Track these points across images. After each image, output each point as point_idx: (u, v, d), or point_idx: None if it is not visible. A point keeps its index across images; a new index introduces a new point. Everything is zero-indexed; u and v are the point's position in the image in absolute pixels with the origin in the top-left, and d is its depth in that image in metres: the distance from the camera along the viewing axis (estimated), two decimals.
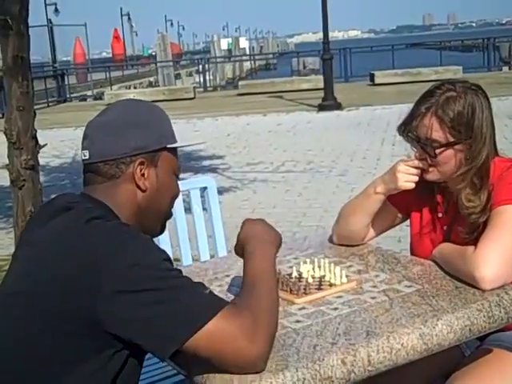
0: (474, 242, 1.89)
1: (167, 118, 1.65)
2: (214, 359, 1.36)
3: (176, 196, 1.67)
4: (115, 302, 1.33)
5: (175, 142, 1.63)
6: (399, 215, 2.22)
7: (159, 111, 1.65)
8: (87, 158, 1.56)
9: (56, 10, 35.71)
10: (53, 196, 1.63)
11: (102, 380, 1.40)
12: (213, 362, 1.37)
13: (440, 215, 2.10)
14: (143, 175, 1.56)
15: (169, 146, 1.60)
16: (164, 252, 1.43)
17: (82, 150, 1.57)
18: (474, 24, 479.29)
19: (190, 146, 1.72)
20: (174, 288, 1.36)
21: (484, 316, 1.68)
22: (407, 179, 2.01)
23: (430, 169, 1.99)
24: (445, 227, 2.09)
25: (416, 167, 2.00)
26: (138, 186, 1.56)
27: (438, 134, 1.94)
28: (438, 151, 1.95)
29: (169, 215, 1.68)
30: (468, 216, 1.95)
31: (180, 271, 1.43)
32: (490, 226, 1.88)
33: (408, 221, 2.23)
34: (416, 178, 2.01)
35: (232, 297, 1.84)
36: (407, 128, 2.01)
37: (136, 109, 1.61)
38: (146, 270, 1.35)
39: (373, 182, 2.14)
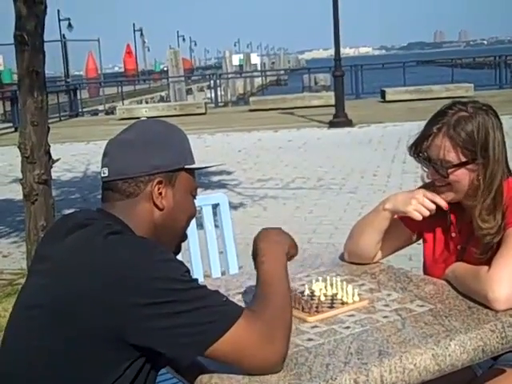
0: (488, 262, 1.88)
1: (186, 139, 1.68)
2: (234, 363, 1.43)
3: (192, 216, 1.69)
4: (140, 315, 1.36)
5: (193, 162, 1.65)
6: (412, 235, 2.21)
7: (179, 132, 1.67)
8: (106, 175, 1.59)
9: (69, 25, 36.08)
10: (64, 210, 1.64)
11: None
12: (233, 365, 1.44)
13: (453, 235, 2.10)
14: (161, 194, 1.58)
15: (187, 166, 1.62)
16: (182, 263, 1.47)
17: (102, 167, 1.60)
18: (485, 42, 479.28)
19: (207, 167, 1.73)
20: (195, 298, 1.41)
21: (497, 337, 1.67)
22: (418, 209, 1.99)
23: (443, 189, 1.99)
24: (458, 247, 2.08)
25: (433, 202, 1.98)
26: (156, 205, 1.58)
27: (449, 155, 1.94)
28: (449, 171, 1.95)
29: (184, 237, 1.70)
30: (483, 237, 1.95)
31: (198, 281, 1.46)
32: (504, 247, 1.87)
33: (419, 239, 2.23)
34: (427, 213, 1.99)
35: None
36: (418, 148, 2.01)
37: (156, 128, 1.64)
38: (167, 282, 1.39)
39: (385, 198, 2.14)
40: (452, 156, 1.94)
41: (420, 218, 2.00)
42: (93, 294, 1.37)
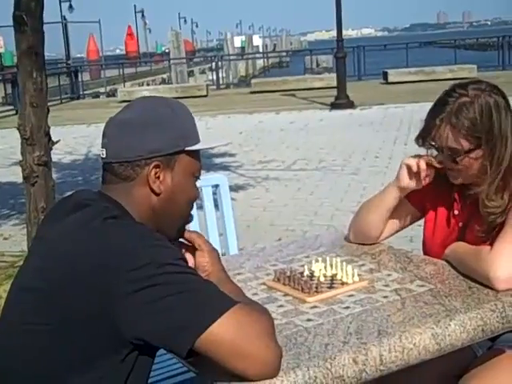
0: (489, 241, 1.87)
1: (190, 118, 1.60)
2: (225, 360, 1.33)
3: (194, 199, 1.63)
4: (129, 300, 1.32)
5: (196, 142, 1.58)
6: (416, 212, 2.21)
7: (182, 110, 1.59)
8: (104, 156, 1.55)
9: (70, 6, 35.89)
10: (66, 193, 1.62)
11: (115, 380, 1.39)
12: (224, 363, 1.33)
13: (456, 212, 2.09)
14: (158, 178, 1.53)
15: (188, 148, 1.56)
16: (177, 251, 1.43)
17: (101, 147, 1.56)
18: (488, 22, 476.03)
19: (211, 148, 1.66)
20: (187, 282, 1.35)
21: (497, 316, 1.67)
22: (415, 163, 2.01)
23: (453, 173, 1.99)
24: (460, 224, 2.07)
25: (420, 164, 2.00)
26: (152, 190, 1.53)
27: (455, 143, 1.93)
28: (458, 159, 1.94)
29: (187, 219, 1.64)
30: (488, 215, 1.94)
31: (192, 269, 1.42)
32: (507, 227, 1.86)
33: (420, 220, 2.22)
34: (423, 166, 2.00)
35: None
36: (425, 140, 2.00)
37: (155, 108, 1.57)
38: (158, 267, 1.34)
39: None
40: (458, 145, 1.93)
41: (416, 168, 2.00)
42: (86, 279, 1.35)
